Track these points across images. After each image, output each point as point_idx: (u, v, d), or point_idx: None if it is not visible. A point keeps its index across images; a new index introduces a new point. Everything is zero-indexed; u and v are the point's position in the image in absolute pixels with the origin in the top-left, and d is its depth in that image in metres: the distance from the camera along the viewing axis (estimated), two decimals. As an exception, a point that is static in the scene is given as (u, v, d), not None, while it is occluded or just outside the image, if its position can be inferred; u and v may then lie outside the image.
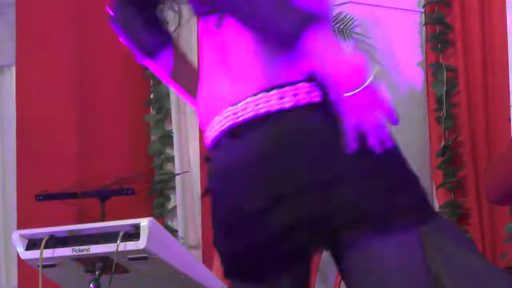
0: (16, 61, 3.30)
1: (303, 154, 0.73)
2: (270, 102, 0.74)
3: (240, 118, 0.75)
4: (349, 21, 2.50)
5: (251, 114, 0.74)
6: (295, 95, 0.74)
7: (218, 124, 0.78)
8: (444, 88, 2.64)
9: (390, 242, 0.73)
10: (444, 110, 2.64)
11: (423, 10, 2.75)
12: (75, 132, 3.06)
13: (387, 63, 2.58)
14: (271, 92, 0.74)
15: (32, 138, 3.09)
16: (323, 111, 0.73)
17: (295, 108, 0.73)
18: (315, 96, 0.74)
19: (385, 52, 2.64)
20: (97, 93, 3.11)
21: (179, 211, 3.06)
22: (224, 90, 0.79)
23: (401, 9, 2.79)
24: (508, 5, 2.57)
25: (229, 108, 0.76)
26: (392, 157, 0.75)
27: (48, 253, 1.58)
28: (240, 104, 0.76)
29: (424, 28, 2.76)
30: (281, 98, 0.74)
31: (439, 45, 2.71)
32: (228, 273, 0.83)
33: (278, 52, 0.74)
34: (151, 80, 3.17)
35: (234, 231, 0.79)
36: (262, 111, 0.74)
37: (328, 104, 0.71)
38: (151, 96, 3.22)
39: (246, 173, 0.76)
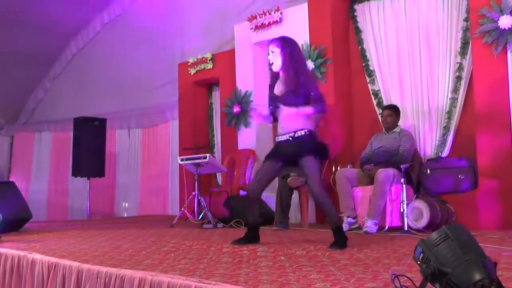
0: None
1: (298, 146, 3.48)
2: (297, 134, 3.50)
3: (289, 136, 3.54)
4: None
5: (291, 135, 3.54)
6: (302, 132, 3.48)
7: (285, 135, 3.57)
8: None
9: (310, 161, 3.43)
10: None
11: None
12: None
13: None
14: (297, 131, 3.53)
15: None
16: (307, 137, 3.49)
17: (301, 136, 3.47)
18: (306, 133, 3.48)
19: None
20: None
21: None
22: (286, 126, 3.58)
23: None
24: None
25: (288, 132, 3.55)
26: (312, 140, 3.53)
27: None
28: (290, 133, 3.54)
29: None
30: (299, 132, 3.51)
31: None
32: (268, 157, 3.63)
33: (300, 119, 3.51)
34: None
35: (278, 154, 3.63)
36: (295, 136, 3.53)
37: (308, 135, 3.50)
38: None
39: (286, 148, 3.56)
